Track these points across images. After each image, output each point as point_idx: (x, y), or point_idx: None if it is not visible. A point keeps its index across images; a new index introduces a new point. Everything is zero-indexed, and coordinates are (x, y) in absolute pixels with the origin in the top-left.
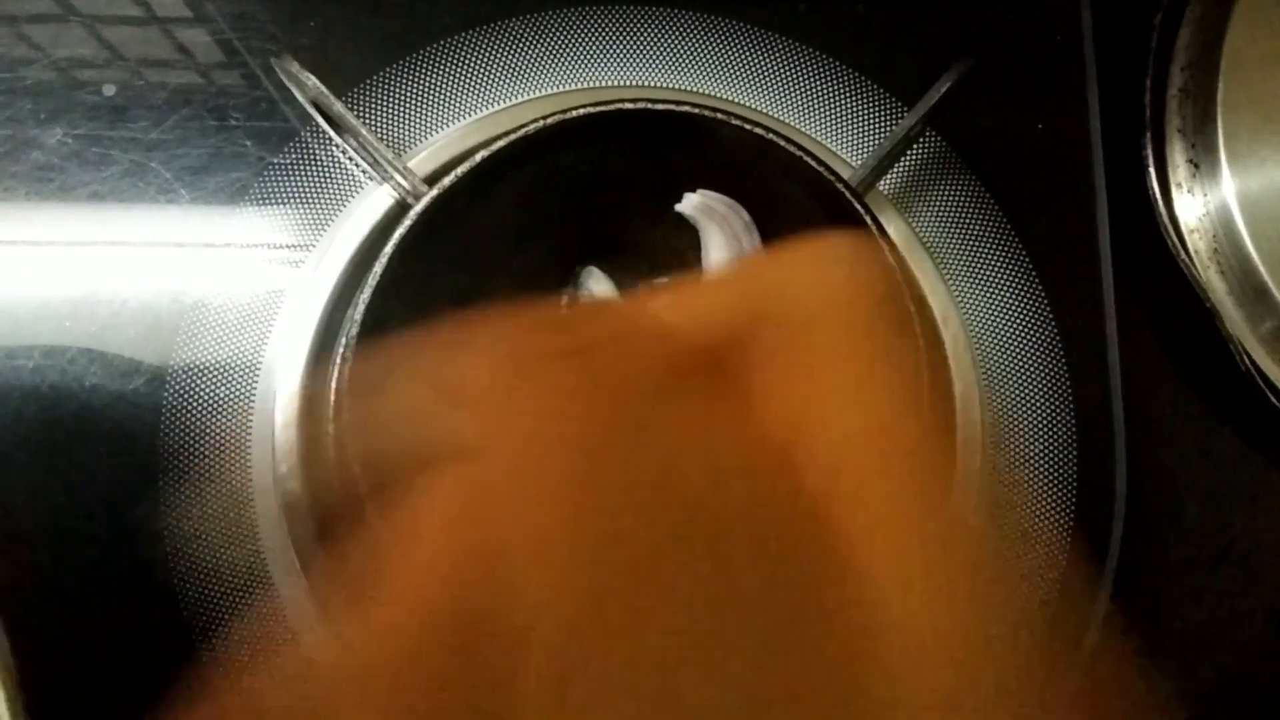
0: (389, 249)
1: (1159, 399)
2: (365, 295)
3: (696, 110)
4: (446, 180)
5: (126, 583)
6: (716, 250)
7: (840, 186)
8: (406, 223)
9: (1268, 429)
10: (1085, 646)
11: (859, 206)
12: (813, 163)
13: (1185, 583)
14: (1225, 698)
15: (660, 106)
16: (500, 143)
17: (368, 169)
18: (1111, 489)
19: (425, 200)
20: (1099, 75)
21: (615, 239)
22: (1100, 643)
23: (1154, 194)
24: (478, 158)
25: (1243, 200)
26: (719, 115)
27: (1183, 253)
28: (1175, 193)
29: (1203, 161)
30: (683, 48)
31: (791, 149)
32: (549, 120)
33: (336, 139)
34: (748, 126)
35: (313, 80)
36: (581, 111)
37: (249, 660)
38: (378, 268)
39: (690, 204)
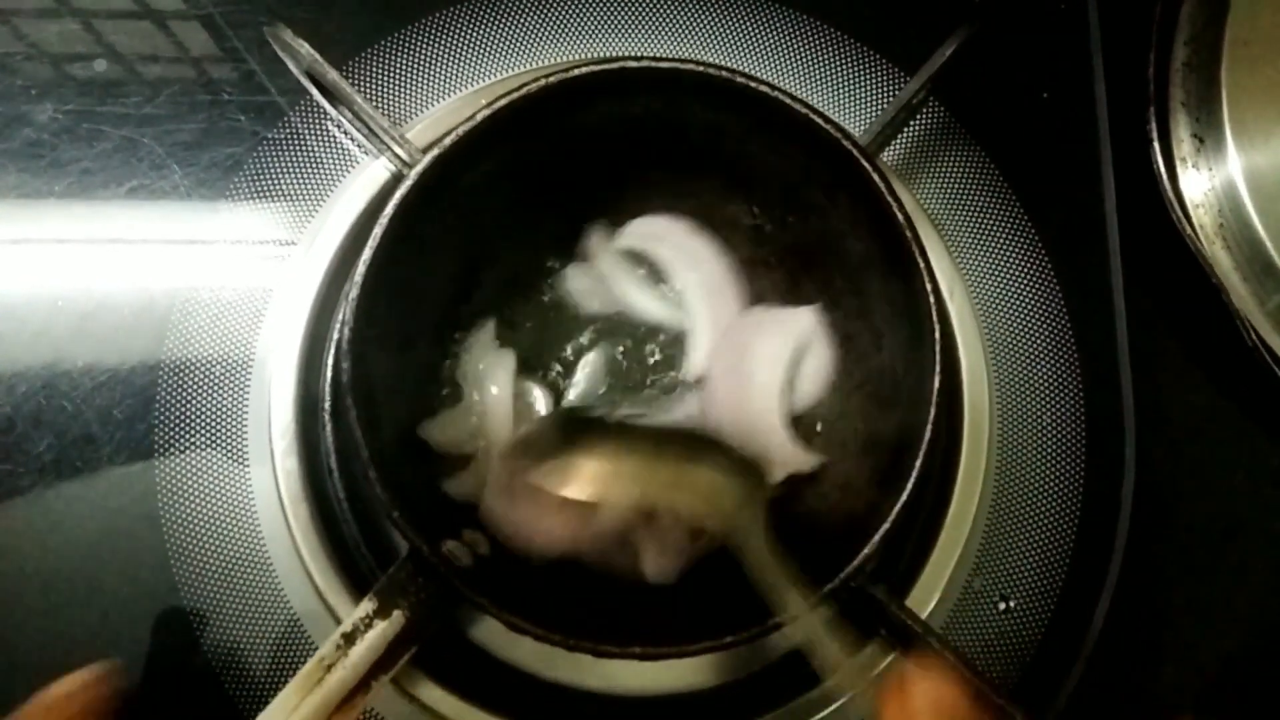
0: (390, 209)
1: (1165, 374)
2: (366, 256)
3: (700, 70)
4: (447, 140)
5: (120, 577)
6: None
7: (849, 145)
8: (408, 183)
9: (1274, 405)
10: (1094, 625)
11: (868, 166)
12: (822, 123)
13: (1194, 559)
14: (1235, 676)
15: (664, 66)
16: (502, 101)
17: (363, 141)
18: (1120, 463)
19: (425, 162)
20: (1106, 43)
21: (619, 202)
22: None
23: (1159, 169)
24: (478, 117)
25: (1248, 175)
26: (724, 75)
27: (1188, 228)
28: (1180, 168)
29: (1207, 136)
30: (683, 18)
31: (799, 108)
32: (551, 80)
33: (331, 111)
34: (755, 86)
35: (306, 48)
36: (584, 70)
37: (249, 645)
38: (378, 229)
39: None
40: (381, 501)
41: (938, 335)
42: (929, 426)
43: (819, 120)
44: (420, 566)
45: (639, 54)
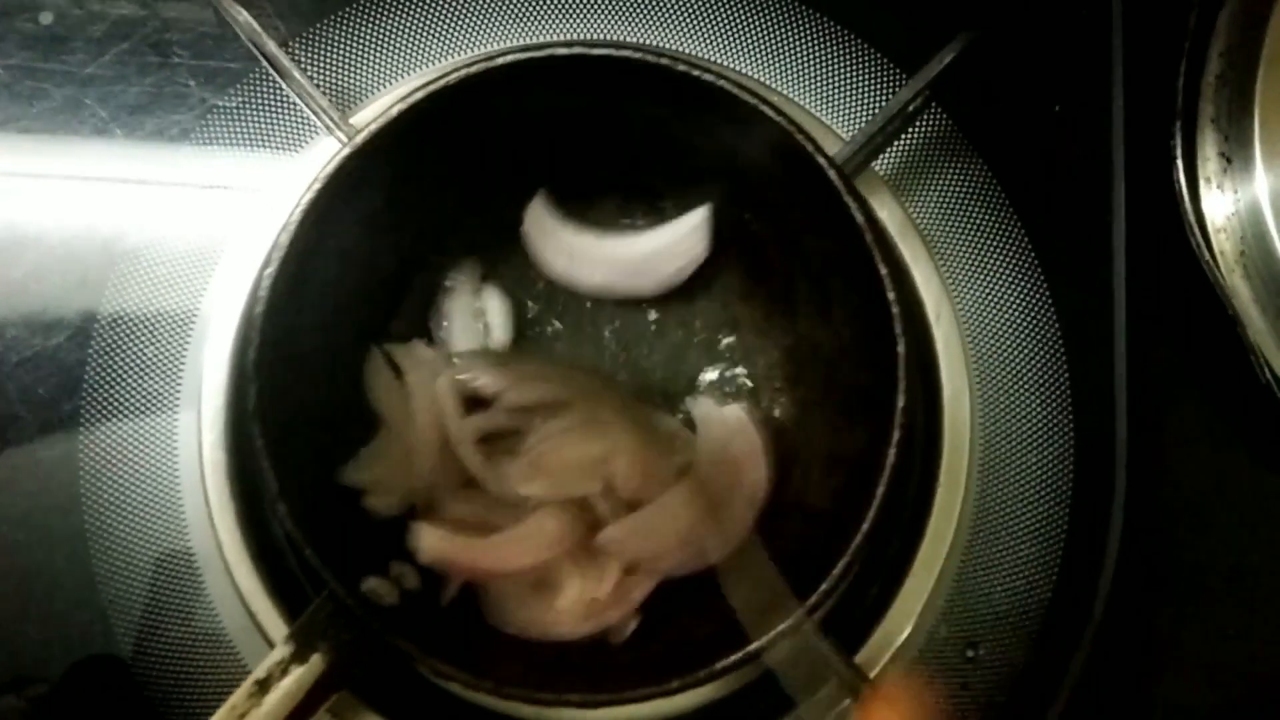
0: (307, 196)
1: (1170, 411)
2: (284, 239)
3: (631, 56)
4: (359, 137)
5: (40, 552)
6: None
7: (822, 161)
8: (315, 186)
9: None
10: (1068, 678)
11: (841, 186)
12: (797, 135)
13: (1191, 604)
14: None
15: (596, 53)
16: (419, 94)
17: (309, 116)
18: (1109, 505)
19: (334, 162)
20: (1128, 54)
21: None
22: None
23: (1180, 188)
24: (393, 111)
25: (1276, 200)
26: (664, 63)
27: (1207, 254)
28: (1203, 188)
29: (1235, 156)
30: (667, 1)
31: (746, 97)
32: (473, 69)
33: (281, 82)
34: (707, 78)
35: (246, 16)
36: (508, 59)
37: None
38: (284, 237)
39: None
40: (293, 539)
41: (901, 350)
42: (890, 455)
43: (769, 111)
44: (339, 609)
45: (616, 39)
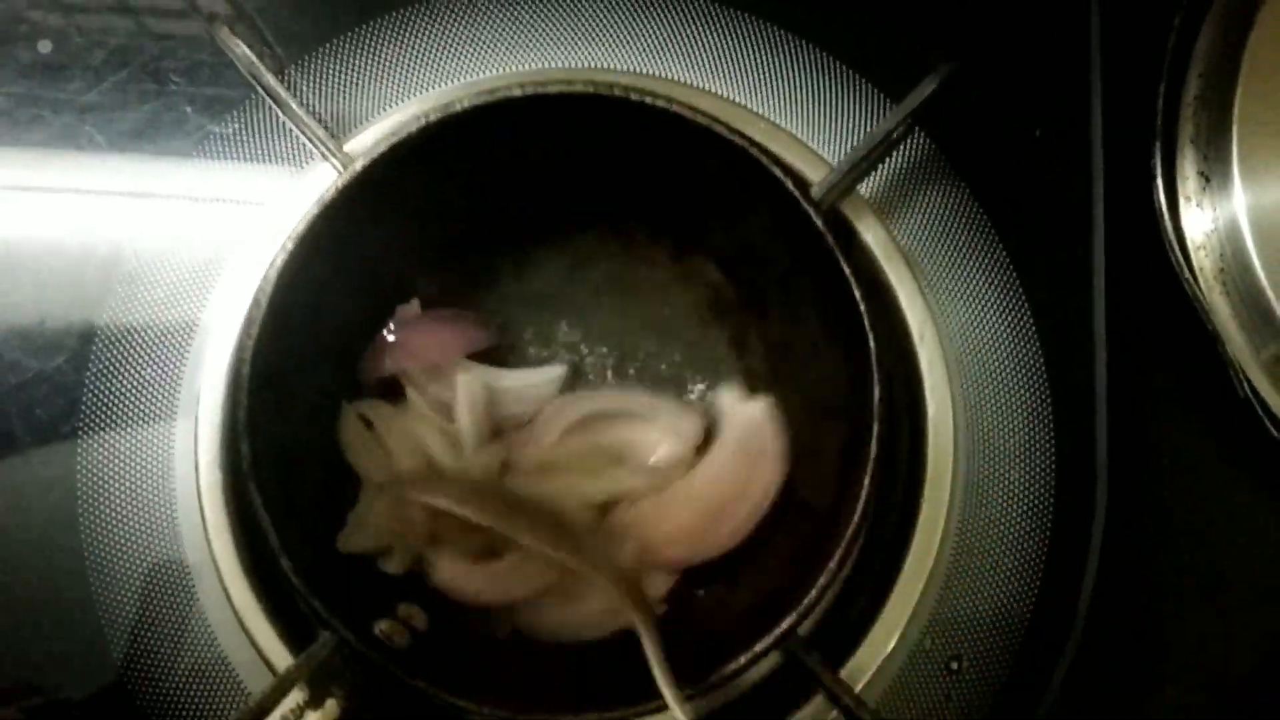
0: (301, 227)
1: (1151, 425)
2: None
3: (618, 95)
4: (340, 180)
5: (38, 568)
6: None
7: (798, 195)
8: (294, 235)
9: (1265, 460)
10: (1050, 690)
11: (817, 220)
12: (773, 168)
13: (1173, 616)
14: None
15: (577, 90)
16: (412, 128)
17: (305, 144)
18: (1090, 519)
19: (323, 200)
20: (1106, 78)
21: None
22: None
23: (1160, 207)
24: (385, 145)
25: (1254, 217)
26: (657, 104)
27: (1186, 271)
28: (1183, 206)
29: (1214, 174)
30: (655, 29)
31: (744, 144)
32: (465, 106)
33: (277, 110)
34: (686, 115)
35: (243, 49)
36: (493, 97)
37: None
38: (284, 249)
39: None
40: (300, 592)
41: (872, 345)
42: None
43: (767, 162)
44: (351, 656)
45: (608, 65)
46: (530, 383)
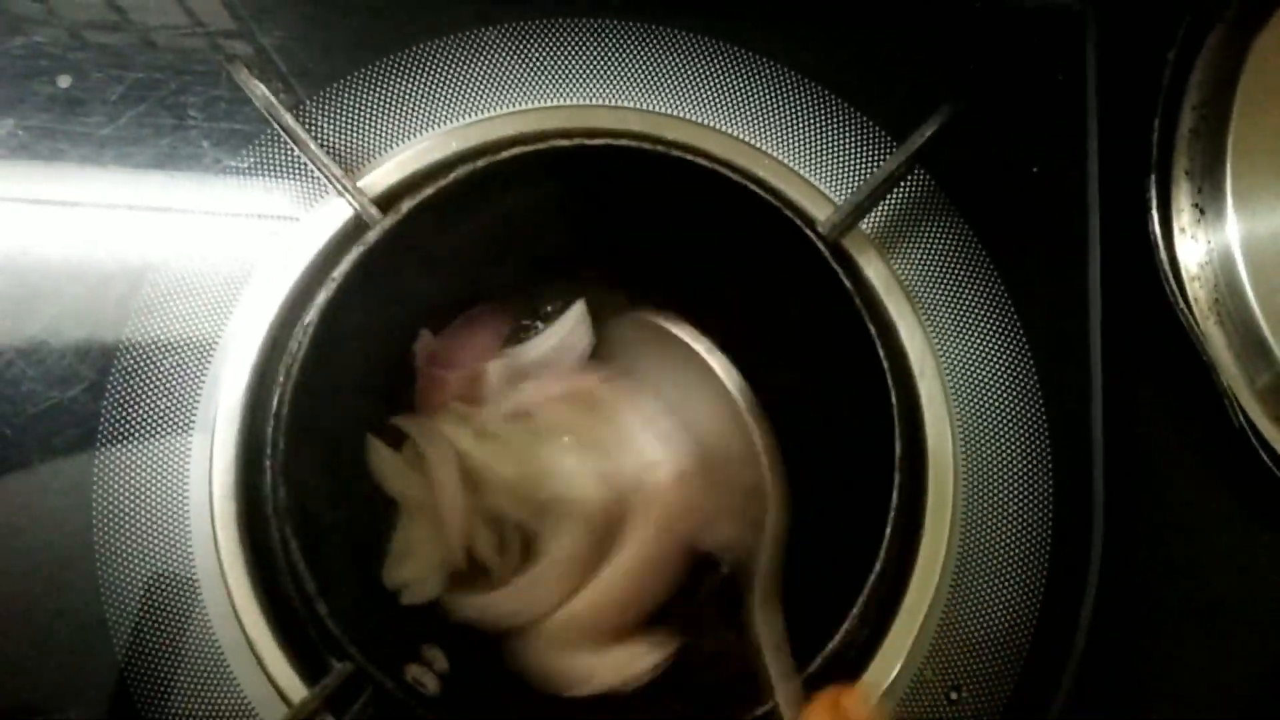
0: (322, 296)
1: (1147, 455)
2: (310, 319)
3: (634, 145)
4: (351, 257)
5: (52, 592)
6: None
7: (810, 234)
8: (353, 256)
9: (1260, 489)
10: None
11: (827, 255)
12: (783, 208)
13: (1165, 647)
14: None
15: (596, 143)
16: (429, 190)
17: (322, 180)
18: (1089, 548)
19: (367, 242)
20: (1102, 112)
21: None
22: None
23: (1155, 238)
24: (403, 209)
25: (1247, 248)
26: (673, 153)
27: (1181, 301)
28: (1178, 237)
29: (1209, 206)
30: (665, 67)
31: (756, 190)
32: (478, 165)
33: (294, 146)
34: (704, 164)
35: (262, 90)
36: (512, 153)
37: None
38: (317, 305)
39: None
40: (336, 640)
41: (894, 401)
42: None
43: (778, 204)
44: (380, 697)
45: (617, 103)
46: (554, 345)
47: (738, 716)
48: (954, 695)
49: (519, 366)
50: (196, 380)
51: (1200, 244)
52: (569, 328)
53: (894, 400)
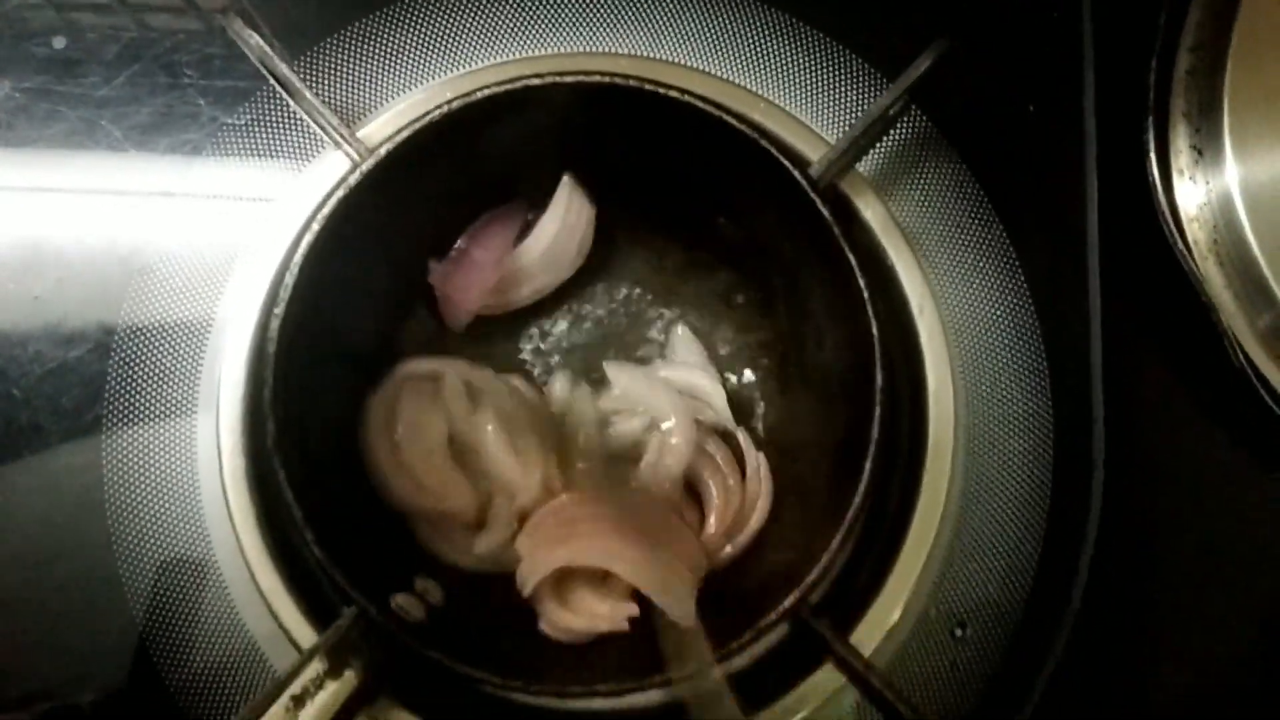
0: (316, 225)
1: (1146, 395)
2: (297, 259)
3: (608, 80)
4: (366, 165)
5: (65, 554)
6: None
7: (796, 174)
8: (326, 208)
9: (1260, 428)
10: (1052, 654)
11: (814, 198)
12: (770, 147)
13: (1167, 584)
14: (1203, 709)
15: (569, 80)
16: (418, 124)
17: (317, 132)
18: (1089, 487)
19: (334, 200)
20: (1099, 55)
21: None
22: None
23: (1154, 180)
24: (395, 140)
25: (1245, 189)
26: (648, 88)
27: (1180, 242)
28: (1176, 179)
29: (1206, 148)
30: (656, 13)
31: (744, 130)
32: (453, 104)
33: (289, 100)
34: (686, 99)
35: (257, 40)
36: (488, 91)
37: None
38: (300, 252)
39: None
40: (321, 564)
41: (874, 332)
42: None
43: (769, 147)
44: (370, 626)
45: (609, 49)
46: (557, 230)
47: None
48: (959, 632)
49: (530, 263)
50: (200, 338)
51: (1199, 185)
52: (564, 205)
53: (875, 331)
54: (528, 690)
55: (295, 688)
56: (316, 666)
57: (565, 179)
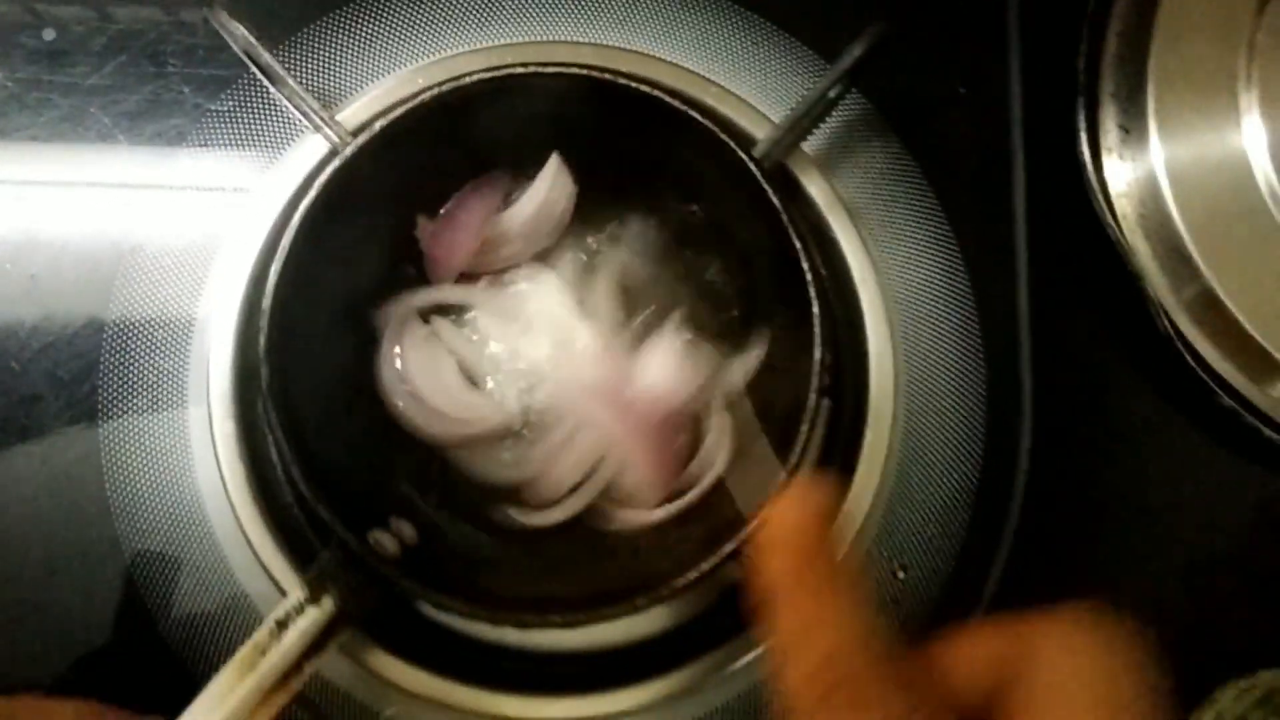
0: (310, 196)
1: (1077, 361)
2: (285, 244)
3: (585, 73)
4: (335, 161)
5: (62, 530)
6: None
7: (743, 156)
8: (311, 193)
9: (1186, 392)
10: (984, 597)
11: (761, 179)
12: (717, 130)
13: (1095, 545)
14: None
15: (549, 70)
16: (396, 112)
17: (299, 119)
18: (1018, 442)
19: (327, 172)
20: (1032, 40)
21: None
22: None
23: (1084, 158)
24: (376, 126)
25: (1170, 167)
26: (620, 81)
27: (1109, 216)
28: (1105, 157)
29: (1133, 127)
30: (619, 2)
31: (695, 116)
32: (444, 88)
33: (271, 88)
34: (646, 91)
35: (241, 30)
36: (474, 79)
37: (189, 605)
38: (299, 214)
39: None
40: (305, 499)
41: (816, 310)
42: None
43: (714, 129)
44: (348, 557)
45: (567, 37)
46: (540, 203)
47: None
48: (900, 574)
49: (511, 229)
50: (197, 284)
51: (1126, 163)
52: (549, 182)
53: (815, 303)
54: (490, 618)
55: (279, 613)
56: (297, 595)
57: (554, 156)
